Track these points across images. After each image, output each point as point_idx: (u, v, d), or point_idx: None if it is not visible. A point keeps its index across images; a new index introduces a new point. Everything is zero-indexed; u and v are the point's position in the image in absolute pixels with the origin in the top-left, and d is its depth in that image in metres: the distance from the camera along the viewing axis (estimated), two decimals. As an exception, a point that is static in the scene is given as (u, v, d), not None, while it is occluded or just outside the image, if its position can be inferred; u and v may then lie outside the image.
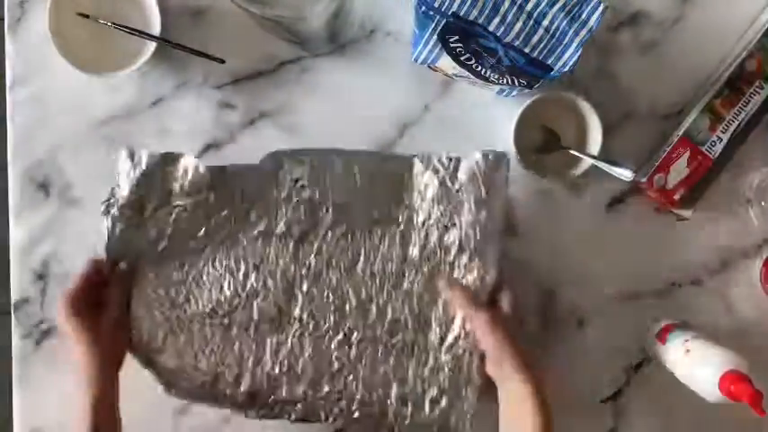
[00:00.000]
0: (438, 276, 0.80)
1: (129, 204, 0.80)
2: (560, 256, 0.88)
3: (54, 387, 0.87)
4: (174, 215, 0.80)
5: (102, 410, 0.76)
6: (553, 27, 0.70)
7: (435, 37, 0.74)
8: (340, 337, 0.81)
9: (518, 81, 0.75)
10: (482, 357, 0.80)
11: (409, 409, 0.81)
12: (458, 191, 0.79)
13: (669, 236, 0.87)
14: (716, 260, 0.89)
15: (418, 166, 0.80)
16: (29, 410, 0.87)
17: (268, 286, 0.81)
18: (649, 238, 0.88)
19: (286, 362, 0.81)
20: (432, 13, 0.71)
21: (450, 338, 0.80)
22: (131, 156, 0.79)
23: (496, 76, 0.76)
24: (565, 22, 0.70)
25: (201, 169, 0.80)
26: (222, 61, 0.83)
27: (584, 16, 0.70)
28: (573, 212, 0.88)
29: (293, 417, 0.82)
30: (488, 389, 0.79)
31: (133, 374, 0.87)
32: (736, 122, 0.83)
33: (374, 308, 0.81)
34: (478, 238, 0.79)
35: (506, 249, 0.82)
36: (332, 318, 0.81)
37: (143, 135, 0.87)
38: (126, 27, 0.82)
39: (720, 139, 0.83)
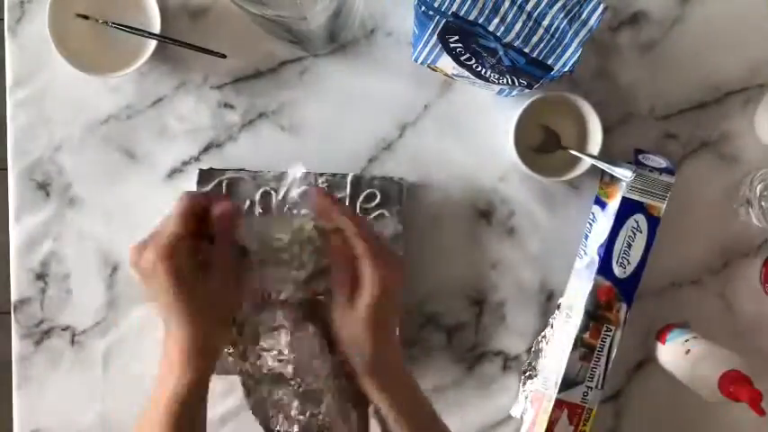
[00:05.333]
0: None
1: None
2: (560, 256, 0.88)
3: (54, 387, 0.87)
4: None
5: (189, 408, 0.60)
6: (553, 27, 0.70)
7: (435, 37, 0.74)
8: None
9: (518, 81, 0.75)
10: None
11: None
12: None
13: (669, 236, 0.87)
14: (716, 260, 0.89)
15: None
16: (29, 410, 0.87)
17: None
18: (649, 238, 0.88)
19: None
20: (432, 12, 0.70)
21: None
22: None
23: (496, 77, 0.76)
24: (565, 22, 0.70)
25: None
26: (223, 56, 0.83)
27: (584, 16, 0.70)
28: (573, 212, 0.88)
29: None
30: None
31: (130, 373, 0.87)
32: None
33: None
34: None
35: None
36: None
37: (143, 135, 0.87)
38: (126, 26, 0.82)
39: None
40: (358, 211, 0.84)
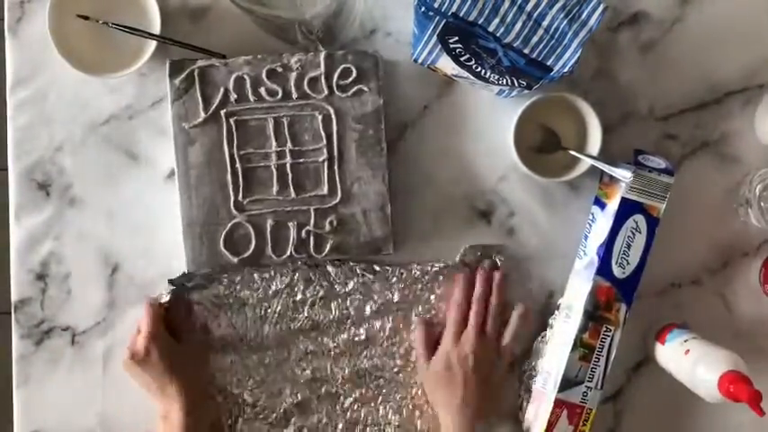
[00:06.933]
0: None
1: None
2: (560, 256, 0.88)
3: (54, 387, 0.87)
4: None
5: None
6: (553, 27, 0.70)
7: (435, 37, 0.74)
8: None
9: (518, 82, 0.75)
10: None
11: None
12: None
13: (669, 236, 0.87)
14: (716, 260, 0.89)
15: None
16: (29, 410, 0.87)
17: None
18: (649, 238, 0.88)
19: None
20: (431, 13, 0.71)
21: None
22: None
23: (496, 77, 0.76)
24: (565, 22, 0.70)
25: None
26: (223, 56, 0.83)
27: (584, 16, 0.70)
28: (573, 212, 0.88)
29: None
30: None
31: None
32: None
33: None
34: None
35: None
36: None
37: (143, 135, 0.87)
38: (126, 27, 0.82)
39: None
40: (335, 89, 0.83)
